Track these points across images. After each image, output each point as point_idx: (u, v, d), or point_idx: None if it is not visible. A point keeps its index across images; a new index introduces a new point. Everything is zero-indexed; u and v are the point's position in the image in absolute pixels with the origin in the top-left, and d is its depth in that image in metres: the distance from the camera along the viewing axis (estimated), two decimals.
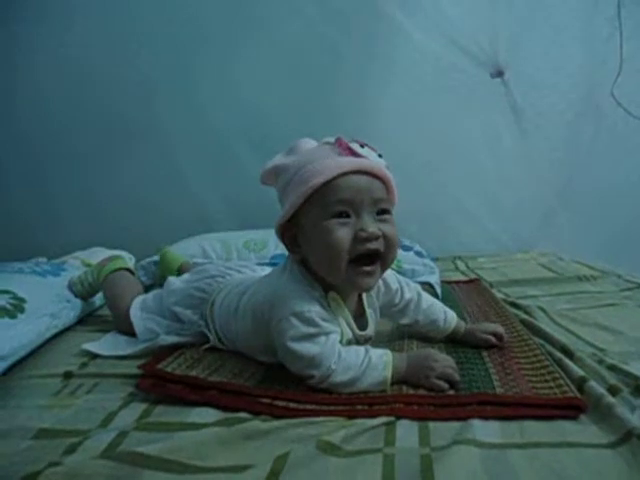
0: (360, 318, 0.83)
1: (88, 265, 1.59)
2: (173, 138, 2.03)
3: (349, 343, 0.80)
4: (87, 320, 1.17)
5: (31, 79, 1.98)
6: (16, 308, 0.90)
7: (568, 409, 0.63)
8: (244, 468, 0.53)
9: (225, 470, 0.53)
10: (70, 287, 1.16)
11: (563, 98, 1.91)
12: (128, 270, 1.18)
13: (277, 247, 1.48)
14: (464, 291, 1.37)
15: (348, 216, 0.72)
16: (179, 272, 1.31)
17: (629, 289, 1.29)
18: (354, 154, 0.73)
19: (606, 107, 1.86)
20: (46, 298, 1.01)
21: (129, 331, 0.96)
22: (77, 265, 1.56)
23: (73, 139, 2.02)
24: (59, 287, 1.10)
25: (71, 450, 0.57)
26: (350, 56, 1.89)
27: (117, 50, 1.94)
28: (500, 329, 0.89)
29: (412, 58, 1.89)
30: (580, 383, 0.69)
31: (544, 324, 1.00)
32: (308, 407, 0.67)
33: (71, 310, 1.07)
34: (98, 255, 1.71)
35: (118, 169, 2.05)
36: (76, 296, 1.15)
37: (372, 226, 0.72)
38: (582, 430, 0.60)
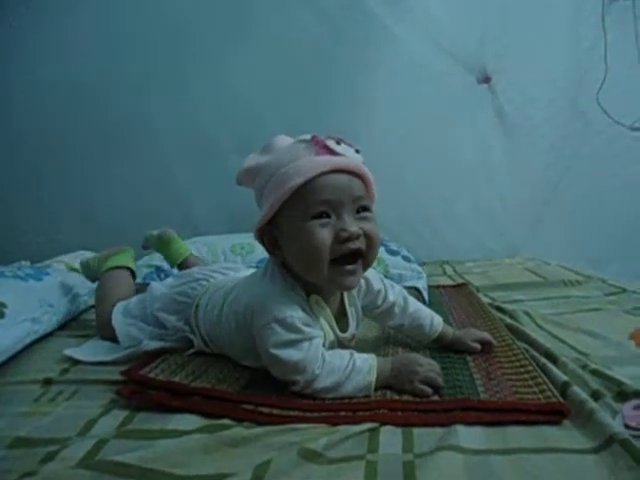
0: (342, 319, 0.83)
1: (73, 269, 1.58)
2: (164, 142, 2.03)
3: (332, 345, 0.79)
4: (70, 325, 1.15)
5: (26, 81, 1.97)
6: None
7: (551, 414, 0.63)
8: (224, 476, 0.52)
9: (205, 478, 0.52)
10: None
11: (549, 104, 1.93)
12: (130, 269, 1.16)
13: (264, 251, 1.47)
14: (451, 296, 1.37)
15: (328, 216, 0.72)
16: (180, 266, 1.28)
17: (614, 294, 1.30)
18: (331, 152, 0.72)
19: (592, 113, 1.89)
20: (27, 303, 0.99)
21: (111, 336, 0.95)
22: (61, 269, 1.54)
23: (65, 143, 2.02)
24: (41, 291, 1.08)
25: (48, 459, 0.56)
26: (340, 60, 1.90)
27: (111, 54, 1.94)
28: (488, 336, 0.89)
29: (400, 63, 1.91)
30: (563, 388, 0.69)
31: (529, 329, 1.00)
32: (292, 414, 0.66)
33: (53, 315, 1.05)
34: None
35: (109, 172, 2.04)
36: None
37: (353, 225, 0.71)
38: (565, 435, 0.60)
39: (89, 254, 1.70)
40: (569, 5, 1.88)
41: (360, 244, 0.72)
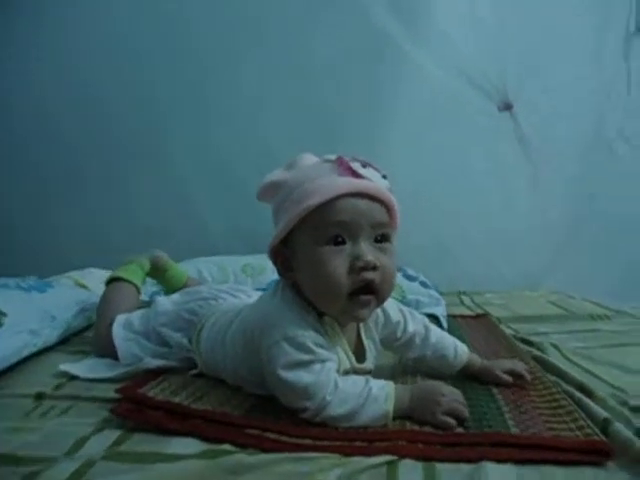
0: (358, 350, 0.77)
1: (81, 285, 1.54)
2: (176, 160, 2.01)
3: (346, 374, 0.73)
4: (72, 340, 1.10)
5: (32, 96, 1.97)
6: None
7: (592, 454, 0.56)
8: None
9: None
10: None
11: (573, 130, 1.89)
12: (134, 284, 1.11)
13: (275, 273, 1.43)
14: (471, 326, 1.30)
15: (343, 242, 0.67)
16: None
17: None
18: (355, 174, 0.68)
19: (616, 140, 1.84)
20: (27, 314, 0.95)
21: (109, 352, 0.90)
22: (69, 284, 1.51)
23: (74, 158, 2.00)
24: (43, 304, 1.04)
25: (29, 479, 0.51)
26: (357, 86, 1.88)
27: (120, 68, 1.94)
28: (519, 367, 0.82)
29: (419, 89, 1.88)
30: (604, 425, 0.62)
31: (558, 362, 0.93)
32: (301, 441, 0.60)
33: (54, 329, 1.00)
34: (93, 275, 1.66)
35: (119, 191, 2.02)
36: None
37: (369, 254, 0.66)
38: (609, 478, 0.53)
39: (101, 272, 1.68)
40: (591, 32, 1.86)
41: (375, 275, 0.67)
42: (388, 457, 0.56)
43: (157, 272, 1.22)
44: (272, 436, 0.61)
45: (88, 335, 1.15)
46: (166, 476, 0.52)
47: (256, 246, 1.63)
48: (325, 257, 0.66)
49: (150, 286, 1.40)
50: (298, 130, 1.88)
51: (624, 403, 0.72)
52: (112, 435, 0.61)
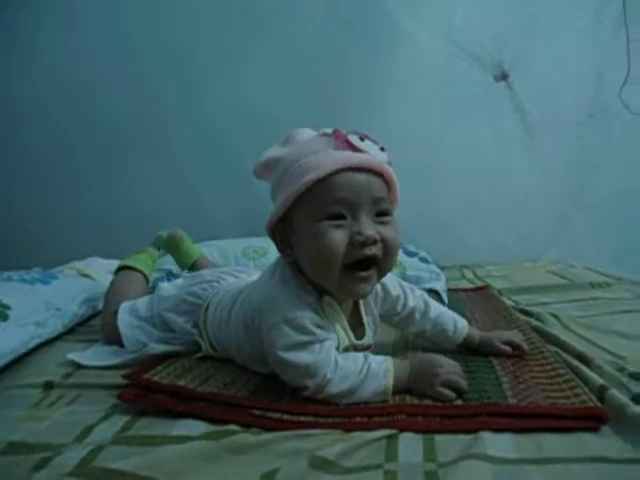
0: (357, 326, 0.77)
1: (85, 275, 1.56)
2: (176, 146, 2.01)
3: (346, 351, 0.74)
4: (78, 330, 1.12)
5: (31, 88, 1.97)
6: None
7: (588, 420, 0.58)
8: None
9: None
10: None
11: (571, 100, 1.86)
12: (142, 273, 1.12)
13: (277, 253, 1.43)
14: (472, 299, 1.31)
15: (343, 217, 0.66)
16: (191, 269, 1.24)
17: None
18: (352, 148, 0.67)
19: (615, 107, 1.81)
20: (32, 306, 0.96)
21: (115, 339, 0.91)
22: (72, 274, 1.52)
23: (74, 148, 2.01)
24: (48, 295, 1.05)
25: (40, 466, 0.52)
26: (355, 59, 1.86)
27: (119, 58, 1.93)
28: (517, 338, 0.83)
29: (417, 61, 1.86)
30: (601, 392, 0.63)
31: (557, 331, 0.94)
32: (303, 419, 0.62)
33: (59, 319, 1.02)
34: (95, 264, 1.67)
35: (120, 179, 2.02)
36: None
37: (369, 229, 0.66)
38: (605, 443, 0.54)
39: (103, 261, 1.69)
40: None
41: (376, 250, 0.67)
42: (388, 431, 0.57)
43: (172, 246, 1.26)
44: (275, 415, 0.62)
45: (94, 324, 1.17)
46: (172, 457, 0.53)
47: (256, 228, 1.64)
48: (323, 231, 0.65)
49: (155, 272, 1.41)
50: (299, 108, 1.84)
51: (622, 369, 0.73)
52: (120, 421, 0.63)
